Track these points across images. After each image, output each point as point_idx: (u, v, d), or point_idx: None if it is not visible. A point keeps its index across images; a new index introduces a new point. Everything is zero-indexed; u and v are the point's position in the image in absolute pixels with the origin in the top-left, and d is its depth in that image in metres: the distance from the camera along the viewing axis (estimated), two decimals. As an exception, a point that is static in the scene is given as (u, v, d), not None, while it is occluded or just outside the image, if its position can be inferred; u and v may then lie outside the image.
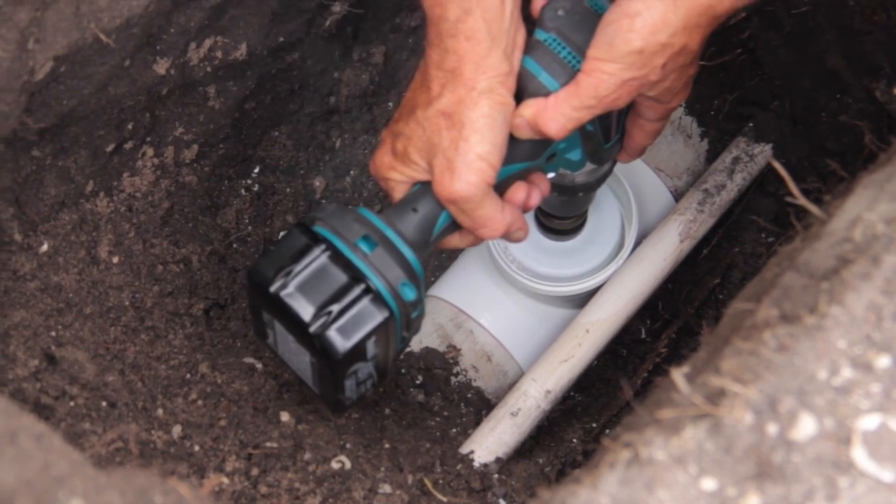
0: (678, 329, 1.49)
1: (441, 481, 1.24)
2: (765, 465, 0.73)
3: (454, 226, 1.10)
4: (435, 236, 1.09)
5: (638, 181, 1.46)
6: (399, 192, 1.11)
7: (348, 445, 1.24)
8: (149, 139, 1.33)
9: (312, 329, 1.03)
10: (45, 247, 1.26)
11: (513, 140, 1.07)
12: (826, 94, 1.35)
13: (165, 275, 1.33)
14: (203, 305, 1.34)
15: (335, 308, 1.03)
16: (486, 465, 1.28)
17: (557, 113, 1.05)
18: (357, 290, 1.04)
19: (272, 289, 1.05)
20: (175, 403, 1.21)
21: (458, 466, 1.26)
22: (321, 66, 1.46)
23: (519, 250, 1.42)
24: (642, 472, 0.74)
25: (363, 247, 1.05)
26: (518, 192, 1.11)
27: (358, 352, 1.05)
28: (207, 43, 1.30)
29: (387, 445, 1.26)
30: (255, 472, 1.16)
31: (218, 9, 1.28)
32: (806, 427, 0.74)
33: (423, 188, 1.08)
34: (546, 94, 1.05)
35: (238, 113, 1.41)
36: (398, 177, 1.10)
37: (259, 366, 1.31)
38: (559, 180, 1.20)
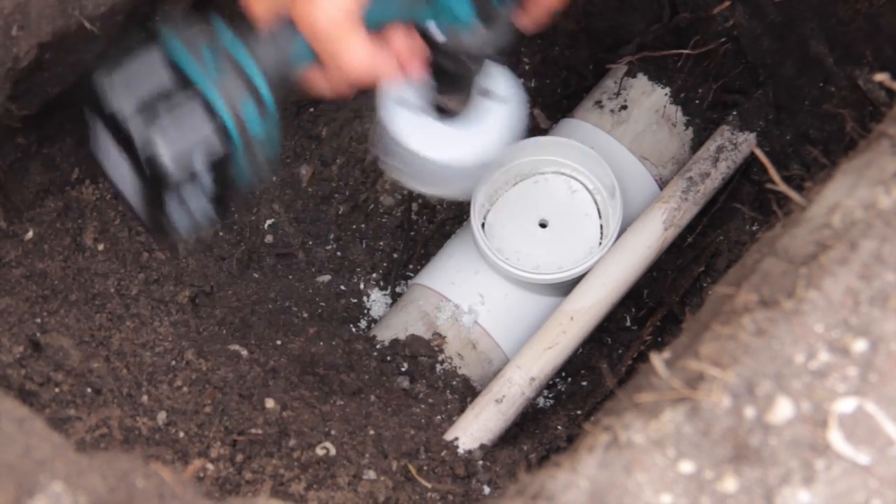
0: (663, 317, 1.49)
1: (425, 468, 1.24)
2: (742, 448, 0.74)
3: (315, 61, 1.01)
4: (292, 67, 1.01)
5: (622, 169, 1.47)
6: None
7: (333, 432, 1.24)
8: (134, 127, 1.33)
9: (132, 125, 0.94)
10: (30, 234, 1.26)
11: None
12: (809, 83, 1.36)
13: (151, 262, 1.33)
14: (189, 293, 1.34)
15: (161, 108, 0.93)
16: (470, 452, 1.29)
17: None
18: (189, 95, 0.94)
19: (95, 80, 0.95)
20: (160, 390, 1.21)
21: (443, 453, 1.26)
22: (307, 54, 1.46)
23: (411, 139, 1.22)
24: (621, 455, 0.75)
25: (206, 54, 0.96)
26: (397, 36, 1.03)
27: (182, 161, 0.95)
28: (193, 31, 1.30)
29: (371, 432, 1.26)
30: (239, 458, 1.16)
31: (203, -4, 1.29)
32: (783, 410, 0.74)
33: (286, 18, 0.99)
34: None
35: (224, 101, 1.41)
36: (263, 8, 1.01)
37: (245, 353, 1.31)
38: (450, 45, 1.09)
